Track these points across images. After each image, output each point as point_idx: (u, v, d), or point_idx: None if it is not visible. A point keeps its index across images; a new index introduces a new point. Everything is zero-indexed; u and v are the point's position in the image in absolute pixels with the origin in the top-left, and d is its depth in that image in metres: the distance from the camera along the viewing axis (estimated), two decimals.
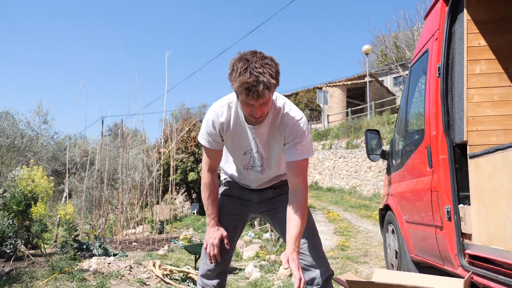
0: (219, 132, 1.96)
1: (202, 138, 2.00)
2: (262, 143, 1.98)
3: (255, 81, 1.62)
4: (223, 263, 2.10)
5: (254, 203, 2.21)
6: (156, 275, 4.14)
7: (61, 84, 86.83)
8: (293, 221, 1.90)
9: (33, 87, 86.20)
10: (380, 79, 29.30)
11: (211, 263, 2.06)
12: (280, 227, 2.15)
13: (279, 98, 1.93)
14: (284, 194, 2.14)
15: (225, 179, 2.30)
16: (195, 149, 14.05)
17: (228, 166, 2.22)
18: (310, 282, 2.01)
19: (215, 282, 2.09)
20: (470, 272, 2.25)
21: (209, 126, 1.95)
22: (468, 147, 2.45)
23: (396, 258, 3.59)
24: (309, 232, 2.12)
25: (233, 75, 1.68)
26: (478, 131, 2.48)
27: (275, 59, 1.72)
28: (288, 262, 1.76)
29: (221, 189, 2.28)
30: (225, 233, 2.06)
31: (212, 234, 2.04)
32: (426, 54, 2.92)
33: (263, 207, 2.22)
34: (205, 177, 2.08)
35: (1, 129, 8.75)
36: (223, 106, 1.93)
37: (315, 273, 2.01)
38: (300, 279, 1.71)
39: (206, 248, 2.05)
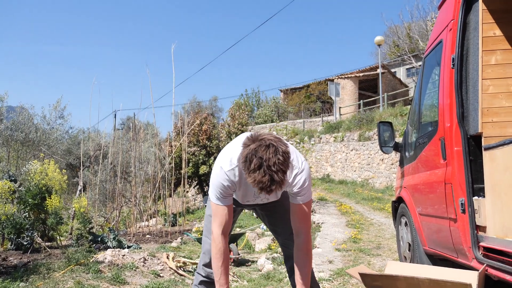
0: (233, 188, 1.99)
1: (217, 199, 1.99)
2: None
3: (269, 180, 1.65)
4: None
5: (248, 207, 2.33)
6: (169, 267, 4.19)
7: (75, 81, 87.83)
8: (298, 268, 2.01)
9: (49, 83, 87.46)
10: (392, 70, 28.95)
11: None
12: (269, 220, 2.32)
13: None
14: (281, 201, 2.22)
15: None
16: (206, 142, 14.10)
17: None
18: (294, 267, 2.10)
19: None
20: (485, 264, 2.23)
21: (224, 185, 1.95)
22: (483, 139, 2.41)
23: (409, 250, 3.57)
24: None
25: (246, 167, 1.70)
26: (493, 122, 2.44)
27: (288, 149, 1.73)
28: None
29: None
30: None
31: None
32: (440, 45, 2.87)
33: (255, 206, 2.33)
34: (218, 241, 1.97)
35: (16, 124, 8.89)
36: (234, 169, 1.94)
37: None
38: None
39: None
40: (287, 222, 2.10)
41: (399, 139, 4.07)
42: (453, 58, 2.57)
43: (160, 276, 3.99)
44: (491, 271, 2.20)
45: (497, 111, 2.45)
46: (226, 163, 1.94)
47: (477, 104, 2.43)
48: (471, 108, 2.49)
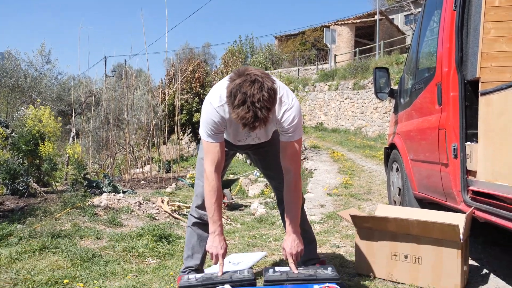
0: (223, 125, 1.96)
1: (207, 136, 1.96)
2: (259, 132, 2.03)
3: (252, 117, 1.62)
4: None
5: (240, 149, 2.31)
6: (164, 211, 4.28)
7: (63, 24, 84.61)
8: (287, 205, 2.06)
9: (35, 27, 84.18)
10: (390, 17, 28.16)
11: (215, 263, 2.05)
12: (262, 164, 2.34)
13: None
14: (273, 144, 2.23)
15: None
16: (199, 89, 13.94)
17: None
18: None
19: None
20: (473, 207, 2.29)
21: (214, 121, 1.91)
22: (480, 84, 2.38)
23: (399, 195, 3.66)
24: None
25: (230, 102, 1.67)
26: (492, 67, 2.40)
27: (274, 85, 1.68)
28: (285, 256, 2.01)
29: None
30: (226, 246, 2.03)
31: (217, 244, 1.98)
32: None
33: (248, 149, 2.32)
34: (211, 178, 1.96)
35: (4, 69, 8.65)
36: (223, 105, 1.89)
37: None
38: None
39: (212, 259, 2.02)
40: (279, 166, 2.11)
41: (394, 88, 4.03)
42: (455, 0, 2.47)
43: (156, 219, 4.08)
44: (478, 213, 2.26)
45: (497, 56, 2.40)
46: (216, 99, 1.90)
47: (477, 48, 2.37)
48: (470, 52, 2.44)
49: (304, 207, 2.37)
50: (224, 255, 2.00)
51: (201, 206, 2.17)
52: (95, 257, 2.76)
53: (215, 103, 1.90)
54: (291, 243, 2.01)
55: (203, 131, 1.97)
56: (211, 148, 1.97)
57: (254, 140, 2.15)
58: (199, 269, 2.22)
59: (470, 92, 2.44)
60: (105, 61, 25.54)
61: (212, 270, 2.38)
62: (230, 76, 1.72)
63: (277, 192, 2.35)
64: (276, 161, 2.17)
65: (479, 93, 2.33)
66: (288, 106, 1.91)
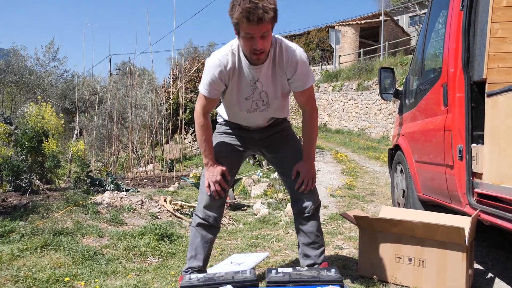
0: (226, 80, 2.01)
1: (204, 89, 2.05)
2: (266, 82, 2.06)
3: (254, 5, 1.73)
4: (223, 197, 2.20)
5: (254, 139, 2.30)
6: (167, 210, 4.27)
7: (70, 22, 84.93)
8: (304, 137, 2.21)
9: (42, 25, 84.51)
10: (395, 18, 28.09)
11: (215, 198, 2.15)
12: (277, 163, 2.33)
13: (275, 37, 2.01)
14: (283, 130, 2.30)
15: (223, 120, 2.35)
16: None
17: (230, 113, 2.26)
18: (302, 210, 2.21)
19: (216, 213, 2.19)
20: (478, 210, 2.26)
21: (215, 76, 1.99)
22: (486, 85, 2.35)
23: (403, 197, 3.63)
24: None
25: (233, 8, 1.79)
26: (499, 68, 2.37)
27: None
28: (295, 173, 2.17)
29: (220, 128, 2.35)
30: (224, 168, 2.16)
31: (212, 172, 2.13)
32: None
33: (262, 143, 2.32)
34: (200, 120, 2.13)
35: (9, 66, 8.68)
36: (227, 54, 1.98)
37: (306, 203, 2.21)
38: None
39: (209, 187, 2.13)
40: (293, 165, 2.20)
41: (399, 88, 4.00)
42: (462, 0, 2.45)
43: (158, 218, 4.07)
44: (484, 216, 2.23)
45: (504, 57, 2.37)
46: (220, 50, 2.02)
47: (484, 49, 2.34)
48: (477, 53, 2.41)
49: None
50: (220, 174, 2.12)
51: (208, 207, 2.16)
52: (96, 255, 2.75)
53: (219, 53, 2.00)
54: (307, 168, 2.18)
55: (201, 84, 2.06)
56: (205, 100, 2.09)
57: (261, 96, 2.10)
58: (201, 270, 2.21)
59: (477, 93, 2.42)
60: (110, 59, 25.61)
61: (214, 270, 2.36)
62: None
63: (292, 193, 2.29)
64: (291, 160, 2.22)
65: (485, 94, 2.30)
66: (293, 48, 2.01)
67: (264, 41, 1.85)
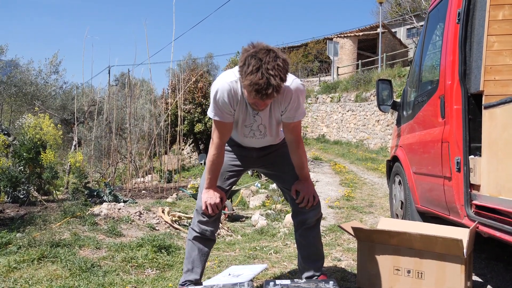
0: (234, 104, 1.96)
1: (215, 114, 1.97)
2: (264, 117, 2.05)
3: (265, 83, 1.64)
4: (219, 212, 2.20)
5: (252, 158, 2.29)
6: (165, 221, 4.25)
7: (69, 34, 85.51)
8: (294, 161, 2.17)
9: (42, 36, 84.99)
10: (393, 30, 28.32)
11: (211, 216, 2.15)
12: (278, 179, 2.34)
13: None
14: (280, 147, 2.28)
15: None
16: (202, 100, 13.97)
17: None
18: (302, 222, 2.21)
19: (212, 227, 2.19)
20: (476, 222, 2.26)
21: (224, 100, 1.91)
22: (483, 97, 2.37)
23: (401, 208, 3.63)
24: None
25: (243, 71, 1.69)
26: (496, 80, 2.39)
27: (287, 59, 1.73)
28: (294, 192, 2.14)
29: None
30: (223, 193, 2.15)
31: (211, 196, 2.10)
32: None
33: (261, 162, 2.31)
34: (214, 152, 2.05)
35: (10, 78, 8.71)
36: (236, 81, 1.91)
37: (308, 215, 2.20)
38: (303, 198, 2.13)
39: (207, 208, 2.10)
40: (293, 178, 2.20)
41: (397, 100, 4.03)
42: (459, 13, 2.48)
43: (156, 229, 4.05)
44: (482, 228, 2.23)
45: (500, 69, 2.39)
46: (229, 75, 1.92)
47: (480, 62, 2.37)
48: (473, 65, 2.44)
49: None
50: (220, 199, 2.10)
51: (204, 222, 2.16)
52: (94, 267, 2.73)
53: (227, 78, 1.91)
54: (306, 186, 2.15)
55: (212, 110, 1.98)
56: (220, 126, 2.01)
57: (260, 128, 2.11)
58: (198, 283, 2.19)
59: (474, 105, 2.43)
60: (109, 70, 25.73)
61: (212, 282, 2.35)
62: (244, 48, 1.74)
63: (293, 205, 2.31)
64: (291, 174, 2.22)
65: (482, 107, 2.32)
66: (289, 83, 1.93)
67: (268, 102, 1.84)
